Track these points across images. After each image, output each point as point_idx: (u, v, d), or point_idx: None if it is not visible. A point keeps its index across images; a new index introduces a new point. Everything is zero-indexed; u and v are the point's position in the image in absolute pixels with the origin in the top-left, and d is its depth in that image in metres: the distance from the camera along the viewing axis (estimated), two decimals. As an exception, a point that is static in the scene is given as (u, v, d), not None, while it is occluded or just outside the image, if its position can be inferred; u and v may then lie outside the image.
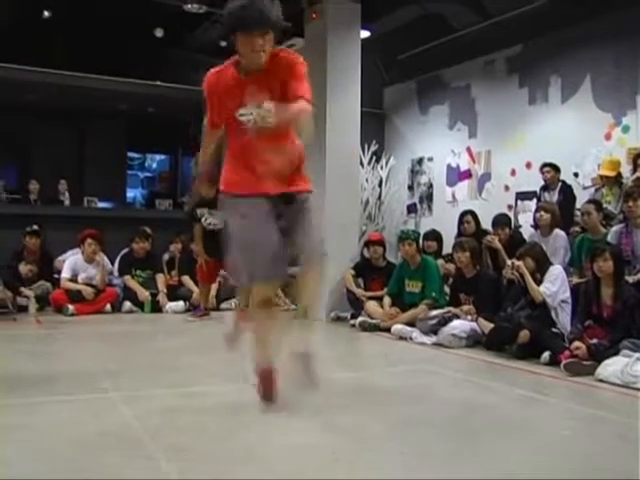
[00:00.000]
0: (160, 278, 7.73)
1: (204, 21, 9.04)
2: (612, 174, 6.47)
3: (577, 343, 4.37)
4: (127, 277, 7.64)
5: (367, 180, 9.43)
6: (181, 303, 7.52)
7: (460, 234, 6.70)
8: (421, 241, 6.79)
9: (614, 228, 5.62)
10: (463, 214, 6.89)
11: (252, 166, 3.18)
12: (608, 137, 7.20)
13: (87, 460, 2.49)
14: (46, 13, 8.39)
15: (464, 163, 9.26)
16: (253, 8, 2.94)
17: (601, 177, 6.65)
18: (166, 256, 8.24)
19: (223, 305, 7.75)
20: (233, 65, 3.15)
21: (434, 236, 7.13)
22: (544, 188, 7.00)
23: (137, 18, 8.67)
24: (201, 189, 3.55)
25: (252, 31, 2.95)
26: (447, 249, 7.09)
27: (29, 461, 2.47)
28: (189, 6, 8.03)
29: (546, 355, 4.59)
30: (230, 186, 3.25)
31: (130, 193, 12.37)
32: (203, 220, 6.59)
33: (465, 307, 5.64)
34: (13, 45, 8.38)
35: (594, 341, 4.37)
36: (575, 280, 5.49)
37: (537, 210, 6.17)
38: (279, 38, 3.09)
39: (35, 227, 7.52)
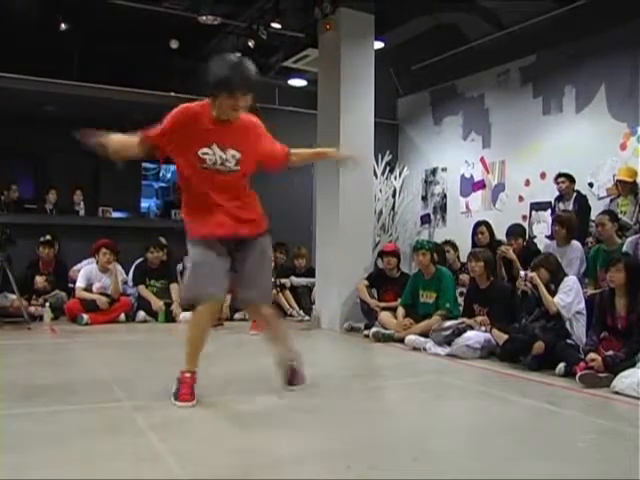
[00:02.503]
0: (174, 288, 7.75)
1: (218, 33, 9.11)
2: (629, 180, 6.44)
3: (592, 355, 4.33)
4: (141, 287, 7.68)
5: (381, 190, 9.44)
6: (189, 314, 7.54)
7: (474, 245, 6.69)
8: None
9: (630, 239, 5.59)
10: (477, 225, 6.87)
11: (208, 208, 3.51)
12: (623, 147, 7.16)
13: (101, 469, 2.50)
14: (63, 26, 8.48)
15: (478, 173, 9.25)
16: (241, 73, 3.33)
17: (617, 184, 6.61)
18: (180, 266, 8.27)
19: (236, 315, 7.77)
20: (209, 108, 3.44)
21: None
22: (559, 198, 6.97)
23: (152, 30, 8.74)
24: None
25: (238, 94, 3.31)
26: (462, 259, 7.09)
27: (44, 468, 2.49)
28: (204, 18, 8.10)
29: (561, 367, 4.55)
30: (194, 232, 3.59)
31: (144, 203, 12.43)
32: None
33: (479, 318, 5.61)
34: (31, 57, 8.48)
35: (610, 353, 4.32)
36: (590, 291, 5.46)
37: (554, 222, 6.12)
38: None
39: (48, 237, 7.58)
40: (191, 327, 3.66)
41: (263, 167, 3.74)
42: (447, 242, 7.59)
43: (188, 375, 3.53)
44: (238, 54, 3.56)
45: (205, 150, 3.40)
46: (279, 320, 3.94)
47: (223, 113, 3.41)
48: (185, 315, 7.50)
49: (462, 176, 9.53)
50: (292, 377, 3.86)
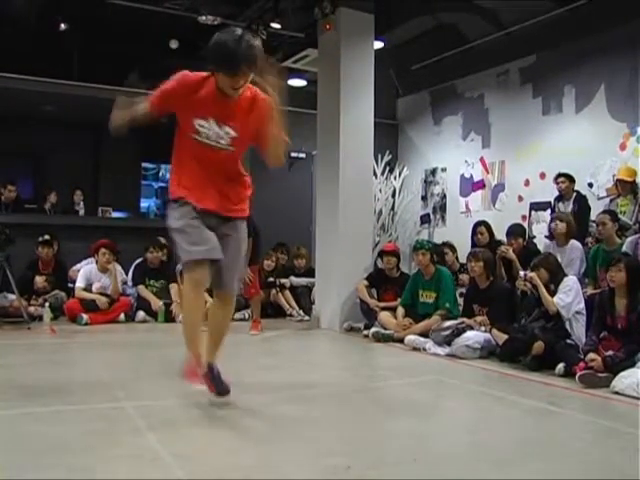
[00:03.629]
0: (174, 288, 7.74)
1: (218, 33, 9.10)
2: (629, 179, 6.44)
3: (592, 355, 4.33)
4: (141, 287, 7.68)
5: (380, 190, 9.44)
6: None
7: (474, 245, 6.69)
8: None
9: (629, 238, 5.60)
10: (477, 225, 6.88)
11: (197, 177, 3.33)
12: (623, 147, 7.16)
13: (100, 469, 2.50)
14: (63, 26, 8.47)
15: (477, 173, 9.25)
16: (242, 50, 3.08)
17: (617, 183, 6.62)
18: (179, 266, 8.26)
19: (236, 315, 7.76)
20: (213, 80, 3.24)
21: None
22: (558, 198, 6.96)
23: (152, 30, 8.74)
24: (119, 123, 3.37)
25: (237, 74, 3.11)
26: (461, 260, 7.09)
27: (43, 468, 2.48)
28: (204, 18, 8.09)
29: (561, 367, 4.56)
30: (180, 192, 3.35)
31: (144, 203, 12.42)
32: None
33: (479, 318, 5.62)
34: (31, 57, 8.48)
35: (609, 353, 4.33)
36: (590, 291, 5.47)
37: (552, 220, 6.15)
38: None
39: (47, 237, 7.57)
40: (187, 311, 3.53)
41: (260, 154, 3.46)
42: (445, 244, 7.59)
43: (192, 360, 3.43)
44: (239, 30, 3.26)
45: (201, 122, 3.23)
46: (228, 323, 3.66)
47: (224, 88, 3.22)
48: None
49: (462, 176, 9.53)
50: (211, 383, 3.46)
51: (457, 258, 7.40)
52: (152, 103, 3.30)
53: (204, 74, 3.28)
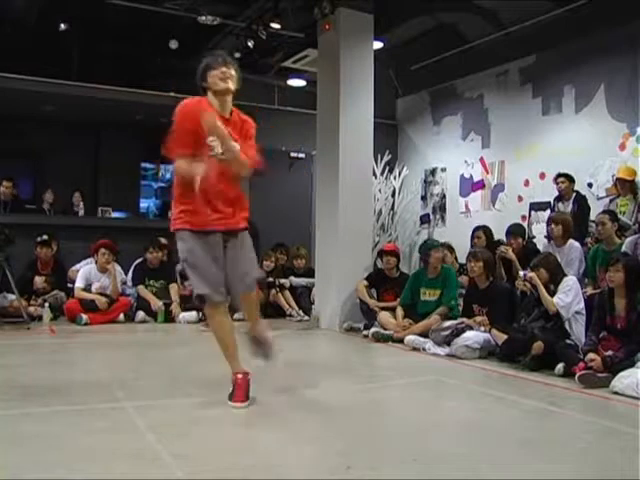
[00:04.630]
0: (173, 288, 7.76)
1: (218, 33, 9.10)
2: (629, 178, 6.44)
3: (591, 355, 4.33)
4: (140, 287, 7.67)
5: (380, 190, 9.44)
6: (194, 313, 7.54)
7: (473, 247, 6.68)
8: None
9: (629, 238, 5.60)
10: (475, 229, 6.89)
11: (207, 203, 3.59)
12: (622, 147, 7.17)
13: (100, 469, 2.50)
14: (62, 26, 8.46)
15: (477, 174, 9.25)
16: (212, 53, 3.66)
17: (617, 182, 6.61)
18: (179, 267, 8.26)
19: (236, 316, 7.75)
20: (208, 103, 3.59)
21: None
22: (558, 199, 6.97)
23: (152, 30, 8.74)
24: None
25: (220, 63, 3.55)
26: (460, 260, 7.09)
27: (43, 469, 2.49)
28: (203, 18, 8.09)
29: (560, 367, 4.56)
30: (187, 224, 3.63)
31: (144, 203, 12.42)
32: None
33: (478, 318, 5.61)
34: (31, 57, 8.47)
35: (609, 353, 4.33)
36: (589, 291, 5.47)
37: (548, 222, 6.15)
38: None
39: (45, 237, 7.56)
40: (214, 331, 3.79)
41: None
42: (443, 245, 7.48)
43: (240, 376, 3.59)
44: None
45: (212, 138, 3.48)
46: (256, 306, 4.10)
47: (219, 94, 3.57)
48: (184, 315, 7.52)
49: (461, 176, 9.53)
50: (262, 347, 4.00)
51: (456, 259, 7.39)
52: (175, 152, 3.53)
53: (198, 98, 3.63)
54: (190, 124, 3.47)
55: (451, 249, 7.42)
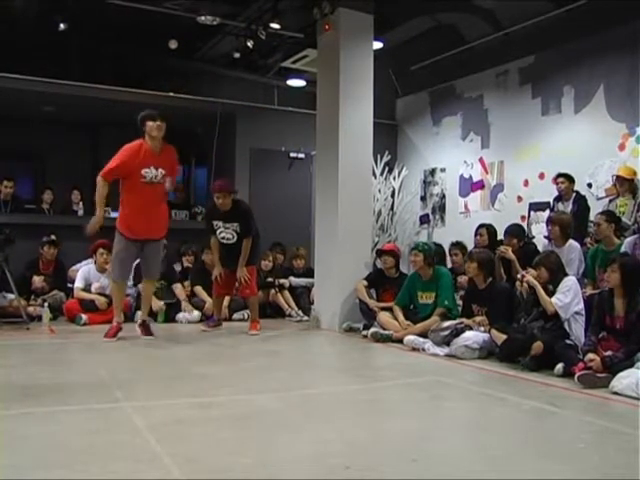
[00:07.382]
0: (178, 288, 7.75)
1: (217, 33, 9.11)
2: (628, 177, 6.43)
3: (591, 355, 4.34)
4: (141, 287, 7.65)
5: (380, 191, 9.44)
6: (196, 313, 7.54)
7: (476, 246, 6.67)
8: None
9: (628, 239, 5.60)
10: (479, 227, 6.83)
11: (138, 212, 5.81)
12: (622, 147, 7.17)
13: (99, 469, 2.50)
14: (62, 26, 8.46)
15: (477, 174, 9.25)
16: (149, 110, 5.89)
17: (616, 181, 6.60)
18: (178, 267, 8.27)
19: (235, 316, 7.77)
20: (146, 144, 5.79)
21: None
22: (558, 199, 6.97)
23: (151, 30, 8.74)
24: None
25: (156, 118, 5.78)
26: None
27: (42, 469, 2.49)
28: (203, 18, 8.09)
29: (560, 367, 4.56)
30: (125, 230, 5.89)
31: (143, 203, 12.44)
32: (218, 233, 6.60)
33: (478, 318, 5.61)
34: (31, 57, 8.48)
35: (608, 353, 4.33)
36: (589, 291, 5.46)
37: (547, 223, 6.13)
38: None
39: (53, 237, 7.61)
40: (113, 294, 6.36)
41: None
42: (456, 244, 7.26)
43: (115, 325, 6.06)
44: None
45: (146, 170, 5.72)
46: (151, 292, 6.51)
47: (153, 138, 5.76)
48: (185, 315, 7.52)
49: (461, 176, 9.53)
50: (146, 331, 6.16)
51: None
52: (111, 174, 5.81)
53: (139, 141, 5.79)
54: (129, 159, 5.67)
55: (463, 248, 7.26)
